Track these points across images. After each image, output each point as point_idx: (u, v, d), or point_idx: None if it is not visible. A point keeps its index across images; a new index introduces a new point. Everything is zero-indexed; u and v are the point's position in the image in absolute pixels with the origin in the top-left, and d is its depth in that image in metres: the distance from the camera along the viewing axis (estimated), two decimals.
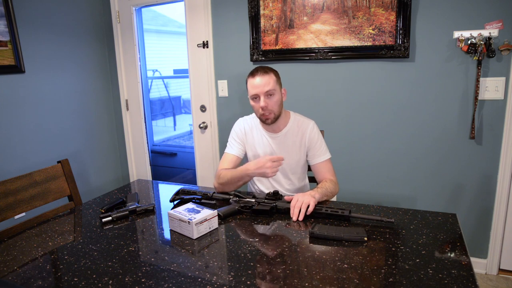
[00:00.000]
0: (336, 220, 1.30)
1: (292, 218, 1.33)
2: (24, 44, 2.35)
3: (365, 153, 2.31)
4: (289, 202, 1.37)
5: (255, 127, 1.69)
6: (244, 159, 1.78)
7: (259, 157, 1.65)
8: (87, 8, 2.78)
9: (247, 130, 1.70)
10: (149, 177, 3.11)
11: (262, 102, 1.52)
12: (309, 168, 1.77)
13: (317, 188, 1.48)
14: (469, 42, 1.92)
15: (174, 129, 4.27)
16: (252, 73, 1.55)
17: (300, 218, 1.31)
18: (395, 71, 2.13)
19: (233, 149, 1.70)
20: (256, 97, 1.54)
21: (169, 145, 3.81)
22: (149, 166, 3.08)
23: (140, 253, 1.14)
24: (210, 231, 1.25)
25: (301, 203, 1.33)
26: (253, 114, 1.72)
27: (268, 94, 1.52)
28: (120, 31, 2.86)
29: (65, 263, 1.09)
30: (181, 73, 3.69)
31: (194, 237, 1.20)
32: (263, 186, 1.72)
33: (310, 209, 1.31)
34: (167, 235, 1.26)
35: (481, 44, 1.88)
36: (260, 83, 1.51)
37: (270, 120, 1.57)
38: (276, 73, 1.57)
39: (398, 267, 0.99)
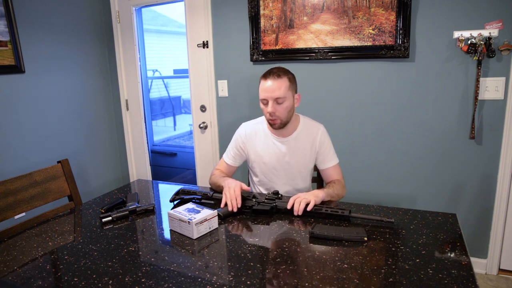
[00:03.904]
0: (336, 220, 1.30)
1: (291, 212, 1.34)
2: (24, 44, 2.35)
3: (365, 153, 2.31)
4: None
5: (261, 131, 1.65)
6: (244, 165, 1.79)
7: (262, 159, 1.64)
8: (87, 8, 2.78)
9: (250, 135, 1.66)
10: (149, 177, 3.11)
11: (269, 108, 1.47)
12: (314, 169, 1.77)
13: (323, 188, 1.48)
14: (469, 42, 1.92)
15: (174, 129, 4.27)
16: (265, 75, 1.49)
17: (299, 212, 1.32)
18: (395, 71, 2.13)
19: (228, 157, 1.71)
20: (265, 101, 1.50)
21: (169, 145, 3.81)
22: (149, 166, 3.08)
23: (140, 253, 1.14)
24: (210, 231, 1.25)
25: (302, 199, 1.33)
26: (260, 118, 1.70)
27: (277, 100, 1.47)
28: (120, 31, 2.86)
29: (65, 263, 1.09)
30: (181, 73, 3.69)
31: (194, 237, 1.20)
32: (264, 189, 1.71)
33: (309, 207, 1.32)
34: (167, 235, 1.26)
35: (481, 44, 1.88)
36: (270, 87, 1.46)
37: (276, 126, 1.53)
38: (291, 78, 1.51)
39: (398, 267, 0.99)
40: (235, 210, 1.36)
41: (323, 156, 1.61)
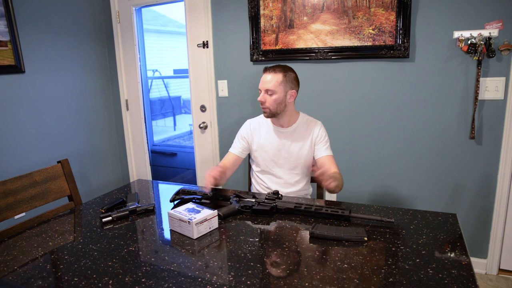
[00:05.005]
0: (336, 220, 1.30)
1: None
2: (24, 44, 2.35)
3: (365, 153, 2.31)
4: (288, 202, 1.38)
5: (264, 123, 1.78)
6: (244, 163, 1.89)
7: (264, 148, 1.76)
8: (87, 8, 2.78)
9: (254, 127, 1.79)
10: (149, 177, 3.11)
11: (260, 96, 1.67)
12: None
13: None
14: (469, 42, 1.92)
15: (174, 129, 4.28)
16: (265, 68, 1.69)
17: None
18: (395, 71, 2.13)
19: (234, 148, 1.82)
20: (260, 91, 1.68)
21: (169, 145, 3.81)
22: (149, 166, 3.08)
23: (140, 253, 1.14)
24: (210, 231, 1.25)
25: (332, 180, 1.40)
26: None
27: (267, 91, 1.63)
28: (120, 31, 2.86)
29: (65, 263, 1.09)
30: (181, 73, 3.69)
31: (194, 237, 1.20)
32: (269, 181, 1.77)
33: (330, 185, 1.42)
34: (167, 235, 1.26)
35: (481, 44, 1.88)
36: (264, 79, 1.65)
37: (266, 114, 1.69)
38: (287, 75, 1.65)
39: (398, 267, 0.99)
40: (210, 181, 1.51)
41: (320, 146, 1.72)
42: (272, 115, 1.68)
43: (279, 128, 1.74)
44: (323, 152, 1.70)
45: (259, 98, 1.66)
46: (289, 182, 1.74)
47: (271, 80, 1.63)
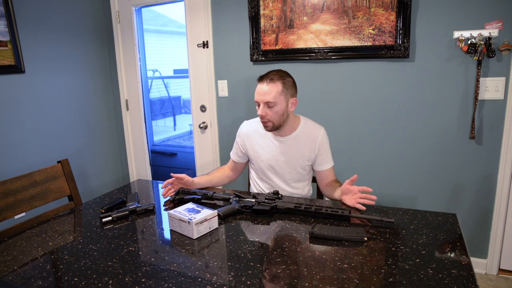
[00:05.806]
0: (336, 220, 1.30)
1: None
2: (24, 44, 2.35)
3: (365, 153, 2.31)
4: (288, 202, 1.38)
5: (261, 129, 1.66)
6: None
7: (260, 157, 1.68)
8: (87, 8, 2.78)
9: (249, 133, 1.70)
10: (149, 177, 3.11)
11: (260, 111, 1.53)
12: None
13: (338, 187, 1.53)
14: (469, 42, 1.92)
15: (174, 129, 4.28)
16: (261, 78, 1.54)
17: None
18: (395, 71, 2.13)
19: (232, 154, 1.79)
20: (257, 103, 1.55)
21: (169, 145, 3.81)
22: (149, 166, 3.08)
23: (140, 253, 1.14)
24: (210, 231, 1.25)
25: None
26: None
27: (268, 104, 1.51)
28: (120, 31, 2.86)
29: (65, 263, 1.09)
30: (181, 73, 3.69)
31: (194, 237, 1.20)
32: (267, 189, 1.73)
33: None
34: (167, 235, 1.26)
35: (481, 44, 1.88)
36: (262, 91, 1.51)
37: (268, 128, 1.57)
38: (286, 83, 1.52)
39: (398, 267, 0.99)
40: (164, 191, 1.61)
41: (322, 158, 1.63)
42: (274, 128, 1.56)
43: (278, 137, 1.63)
44: (325, 164, 1.63)
45: (259, 112, 1.52)
46: (287, 190, 1.67)
47: (269, 91, 1.49)
